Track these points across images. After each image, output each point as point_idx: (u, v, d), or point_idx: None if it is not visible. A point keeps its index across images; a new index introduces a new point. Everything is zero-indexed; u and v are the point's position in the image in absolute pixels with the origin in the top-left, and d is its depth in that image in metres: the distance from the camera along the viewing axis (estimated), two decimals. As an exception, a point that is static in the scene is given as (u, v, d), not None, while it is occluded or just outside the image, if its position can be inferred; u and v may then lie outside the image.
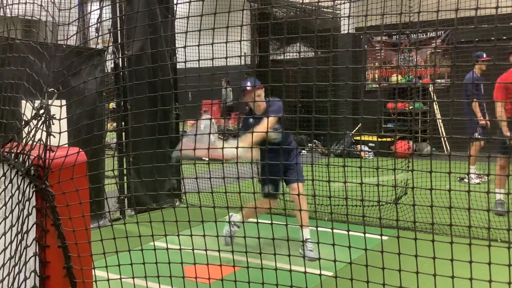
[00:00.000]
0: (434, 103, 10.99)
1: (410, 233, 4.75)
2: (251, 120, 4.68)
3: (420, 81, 11.49)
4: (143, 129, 5.52)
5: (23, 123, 2.39)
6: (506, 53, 6.19)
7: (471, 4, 6.49)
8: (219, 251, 2.34)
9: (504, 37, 9.45)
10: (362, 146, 10.87)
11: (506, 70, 6.05)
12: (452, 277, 1.97)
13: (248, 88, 4.60)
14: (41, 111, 2.28)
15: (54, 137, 2.27)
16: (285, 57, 10.58)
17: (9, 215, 2.34)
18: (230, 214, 4.90)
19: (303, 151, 10.67)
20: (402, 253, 2.06)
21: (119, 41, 6.14)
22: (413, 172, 2.32)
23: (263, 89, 4.74)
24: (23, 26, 3.77)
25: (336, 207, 5.82)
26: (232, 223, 4.89)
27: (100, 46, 6.92)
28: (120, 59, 6.13)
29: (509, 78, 5.87)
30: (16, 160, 2.31)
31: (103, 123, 5.90)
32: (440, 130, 10.94)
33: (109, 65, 6.29)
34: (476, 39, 8.24)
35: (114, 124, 9.16)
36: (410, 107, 10.53)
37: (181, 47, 2.43)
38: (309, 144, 11.13)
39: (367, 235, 2.12)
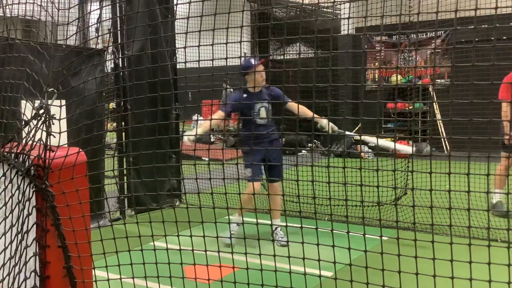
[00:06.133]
0: (434, 103, 10.99)
1: (410, 233, 4.75)
2: (240, 102, 4.96)
3: (420, 81, 11.49)
4: (143, 129, 5.52)
5: (23, 123, 2.39)
6: (506, 53, 6.08)
7: (471, 4, 6.48)
8: (218, 251, 2.34)
9: (504, 37, 9.46)
10: (362, 146, 10.86)
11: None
12: (452, 277, 1.98)
13: (253, 64, 4.89)
14: (41, 111, 2.28)
15: (54, 137, 2.27)
16: (285, 58, 10.58)
17: (9, 215, 2.34)
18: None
19: (303, 151, 10.68)
20: (401, 255, 2.06)
21: (119, 41, 6.14)
22: (413, 172, 2.32)
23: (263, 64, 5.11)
24: (23, 26, 3.77)
25: (335, 207, 5.81)
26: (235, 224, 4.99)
27: (100, 46, 6.91)
28: (120, 59, 6.13)
29: None
30: (16, 160, 2.31)
31: (103, 123, 5.90)
32: (440, 130, 10.94)
33: (109, 65, 6.29)
34: (476, 39, 8.24)
35: (114, 124, 9.16)
36: (410, 107, 10.53)
37: (181, 48, 2.43)
38: (309, 144, 11.13)
39: (366, 235, 2.12)
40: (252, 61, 4.92)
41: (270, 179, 5.01)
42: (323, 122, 4.91)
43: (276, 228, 4.94)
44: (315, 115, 4.69)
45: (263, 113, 4.97)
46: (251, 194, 4.70)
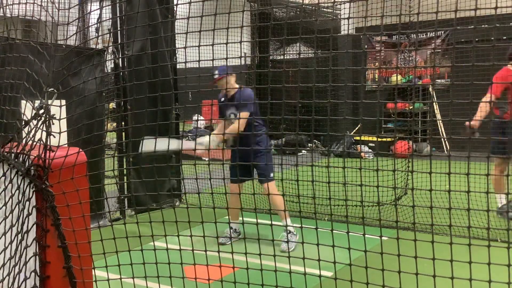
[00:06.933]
0: (434, 103, 11.00)
1: (410, 233, 4.74)
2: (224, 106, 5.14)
3: (420, 81, 11.50)
4: (143, 129, 5.52)
5: (23, 123, 2.39)
6: (506, 53, 5.95)
7: (471, 4, 6.44)
8: (218, 251, 2.34)
9: (504, 37, 9.46)
10: (362, 146, 10.87)
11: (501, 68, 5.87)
12: (451, 277, 1.97)
13: (216, 76, 4.93)
14: (41, 111, 2.28)
15: (54, 137, 2.27)
16: (285, 57, 10.58)
17: (9, 215, 2.34)
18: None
19: (303, 151, 10.69)
20: (401, 255, 2.06)
21: (119, 41, 6.14)
22: (413, 172, 2.32)
23: (233, 75, 5.14)
24: (23, 26, 3.77)
25: (335, 207, 5.81)
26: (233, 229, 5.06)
27: (100, 46, 6.92)
28: (120, 59, 6.13)
29: (508, 78, 5.71)
30: (16, 160, 2.31)
31: (103, 123, 5.90)
32: (440, 130, 10.94)
33: (109, 65, 6.29)
34: (476, 39, 8.24)
35: (114, 124, 9.16)
36: (410, 107, 10.53)
37: (181, 48, 2.43)
38: (309, 144, 11.13)
39: (366, 235, 2.12)
40: (217, 71, 4.93)
41: (259, 180, 5.11)
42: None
43: (285, 230, 4.93)
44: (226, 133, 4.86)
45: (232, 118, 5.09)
46: (232, 194, 4.97)
